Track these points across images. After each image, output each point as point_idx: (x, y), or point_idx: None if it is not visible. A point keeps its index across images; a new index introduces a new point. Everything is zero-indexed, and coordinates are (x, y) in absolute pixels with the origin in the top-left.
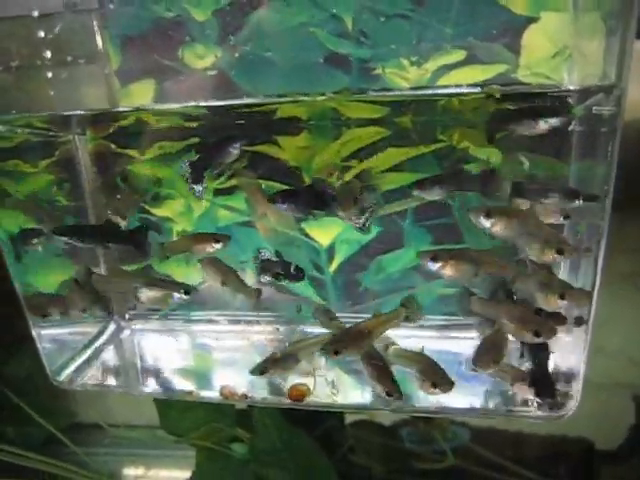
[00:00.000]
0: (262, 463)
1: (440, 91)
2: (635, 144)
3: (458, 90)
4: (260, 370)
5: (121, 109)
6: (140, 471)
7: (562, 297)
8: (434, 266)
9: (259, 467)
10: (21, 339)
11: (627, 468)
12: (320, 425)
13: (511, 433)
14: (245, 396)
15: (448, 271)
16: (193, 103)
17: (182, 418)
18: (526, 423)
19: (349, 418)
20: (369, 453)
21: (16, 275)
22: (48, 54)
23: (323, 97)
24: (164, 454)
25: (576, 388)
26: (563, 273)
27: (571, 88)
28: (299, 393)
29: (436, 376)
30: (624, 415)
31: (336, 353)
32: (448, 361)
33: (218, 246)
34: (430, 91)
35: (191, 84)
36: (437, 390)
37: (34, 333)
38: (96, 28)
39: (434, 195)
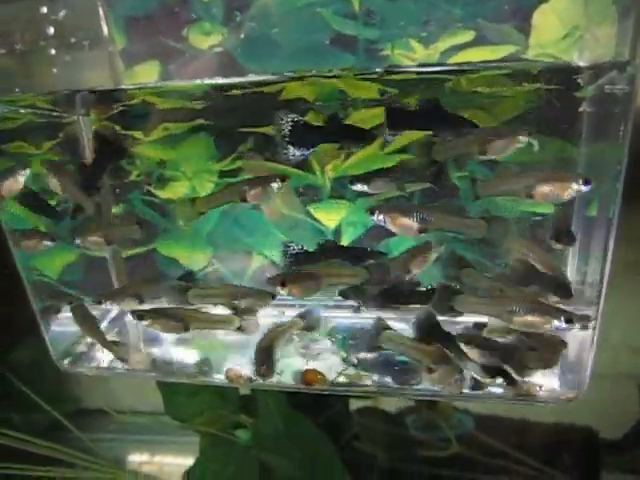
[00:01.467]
0: (265, 449)
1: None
2: None
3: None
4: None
5: (124, 87)
6: (145, 457)
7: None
8: (376, 219)
9: (262, 453)
10: (26, 325)
11: (632, 457)
12: (325, 411)
13: (516, 421)
14: (250, 379)
15: (391, 225)
16: (198, 82)
17: (187, 404)
18: (531, 411)
19: (354, 404)
20: (374, 440)
21: (20, 260)
22: (53, 36)
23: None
24: (169, 440)
25: (583, 377)
26: (572, 263)
27: (581, 65)
28: (313, 379)
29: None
30: (629, 405)
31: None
32: None
33: (277, 185)
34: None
35: (196, 65)
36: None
37: (39, 317)
38: (100, 9)
39: (378, 189)
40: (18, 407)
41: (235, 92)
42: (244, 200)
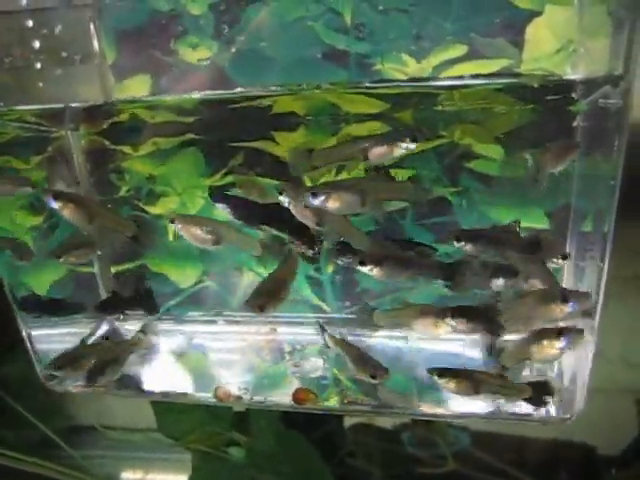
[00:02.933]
0: (258, 467)
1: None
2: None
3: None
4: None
5: (115, 100)
6: (137, 474)
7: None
8: (315, 201)
9: (255, 471)
10: (16, 341)
11: (630, 474)
12: (319, 428)
13: (512, 437)
14: (240, 397)
15: (332, 205)
16: (188, 95)
17: (179, 421)
18: (527, 428)
19: (349, 422)
20: (369, 457)
21: (8, 275)
22: (43, 50)
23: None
24: (161, 457)
25: (581, 393)
26: (567, 277)
27: (575, 80)
28: (304, 397)
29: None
30: (627, 420)
31: None
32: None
33: (406, 145)
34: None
35: (187, 79)
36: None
37: (24, 334)
38: (91, 23)
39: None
40: (8, 424)
41: (229, 106)
42: (366, 158)
